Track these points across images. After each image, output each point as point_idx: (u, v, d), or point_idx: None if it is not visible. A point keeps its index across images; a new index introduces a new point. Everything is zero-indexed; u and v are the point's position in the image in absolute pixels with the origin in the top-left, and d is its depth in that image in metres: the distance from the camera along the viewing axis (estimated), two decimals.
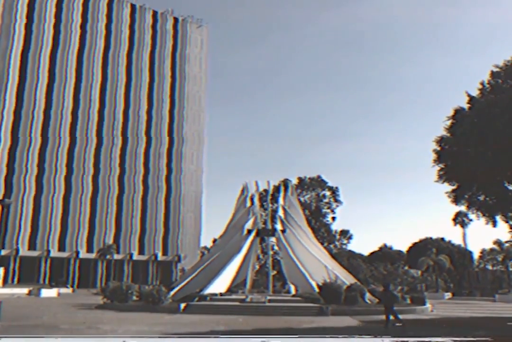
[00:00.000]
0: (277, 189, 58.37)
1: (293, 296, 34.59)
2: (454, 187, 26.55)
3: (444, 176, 26.33)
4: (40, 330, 18.23)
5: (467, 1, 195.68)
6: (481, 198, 26.26)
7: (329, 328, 19.78)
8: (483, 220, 26.85)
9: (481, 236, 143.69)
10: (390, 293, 21.04)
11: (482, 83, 25.58)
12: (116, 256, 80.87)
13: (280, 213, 41.31)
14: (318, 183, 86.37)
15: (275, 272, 50.70)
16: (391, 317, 20.12)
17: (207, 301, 30.46)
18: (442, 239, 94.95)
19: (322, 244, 56.09)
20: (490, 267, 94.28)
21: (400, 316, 20.51)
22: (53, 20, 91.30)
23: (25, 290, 54.35)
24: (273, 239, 41.03)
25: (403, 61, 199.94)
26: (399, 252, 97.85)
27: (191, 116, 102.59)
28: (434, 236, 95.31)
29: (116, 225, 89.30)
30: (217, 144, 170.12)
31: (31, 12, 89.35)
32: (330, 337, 17.02)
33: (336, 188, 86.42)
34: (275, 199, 51.32)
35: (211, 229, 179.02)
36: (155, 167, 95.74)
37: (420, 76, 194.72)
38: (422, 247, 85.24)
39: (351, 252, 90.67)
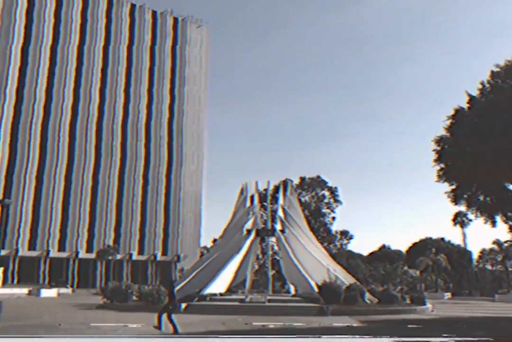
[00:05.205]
0: (277, 189, 58.35)
1: (293, 296, 34.57)
2: (453, 187, 26.57)
3: (444, 176, 26.33)
4: (40, 330, 18.20)
5: (467, 1, 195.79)
6: (481, 198, 26.28)
7: (329, 328, 19.78)
8: (481, 219, 26.88)
9: (480, 236, 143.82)
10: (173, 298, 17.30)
11: (482, 83, 25.61)
12: (115, 256, 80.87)
13: (280, 213, 41.26)
14: (318, 182, 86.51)
15: (274, 272, 50.66)
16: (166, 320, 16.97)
17: (207, 301, 30.45)
18: (442, 239, 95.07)
19: (322, 244, 56.07)
20: (489, 267, 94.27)
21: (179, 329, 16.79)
22: (52, 19, 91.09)
23: (25, 290, 54.24)
24: (273, 239, 40.97)
25: (403, 61, 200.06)
26: (399, 252, 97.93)
27: (191, 116, 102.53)
28: (434, 236, 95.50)
29: (116, 225, 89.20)
30: (217, 144, 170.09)
31: (31, 10, 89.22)
32: (330, 337, 17.01)
33: (336, 188, 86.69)
34: (275, 199, 51.28)
35: (211, 229, 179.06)
36: (155, 167, 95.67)
37: (420, 76, 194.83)
38: (422, 247, 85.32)
39: (350, 252, 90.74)
